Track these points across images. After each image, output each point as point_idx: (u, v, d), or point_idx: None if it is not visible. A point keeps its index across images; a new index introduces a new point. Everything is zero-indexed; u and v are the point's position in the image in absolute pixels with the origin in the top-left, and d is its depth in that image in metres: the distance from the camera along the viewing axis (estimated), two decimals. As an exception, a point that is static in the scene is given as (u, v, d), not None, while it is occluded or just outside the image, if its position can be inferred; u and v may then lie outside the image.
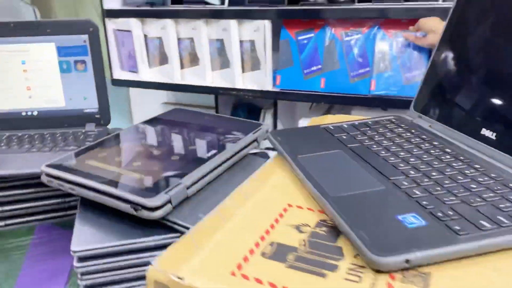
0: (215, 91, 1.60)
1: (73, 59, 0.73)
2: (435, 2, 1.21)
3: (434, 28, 1.15)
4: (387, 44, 1.30)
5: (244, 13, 1.42)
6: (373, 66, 1.32)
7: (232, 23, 1.44)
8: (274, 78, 1.48)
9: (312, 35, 1.39)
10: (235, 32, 1.46)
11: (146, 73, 1.68)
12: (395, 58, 1.30)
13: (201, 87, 1.59)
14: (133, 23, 1.60)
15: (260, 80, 1.48)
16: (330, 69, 1.37)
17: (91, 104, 0.75)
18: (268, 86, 1.48)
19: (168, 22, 1.54)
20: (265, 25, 1.39)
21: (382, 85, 1.32)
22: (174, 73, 1.61)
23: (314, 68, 1.40)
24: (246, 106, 1.76)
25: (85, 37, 0.73)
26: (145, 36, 1.63)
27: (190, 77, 1.62)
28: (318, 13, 1.33)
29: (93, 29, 0.74)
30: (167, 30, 1.55)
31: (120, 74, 1.74)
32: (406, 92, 1.27)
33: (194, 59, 1.58)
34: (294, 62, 1.42)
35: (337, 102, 1.42)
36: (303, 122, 1.54)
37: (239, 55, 1.49)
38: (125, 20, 1.61)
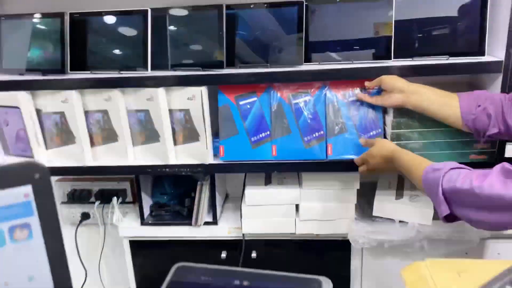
0: (140, 171, 1.33)
1: (7, 225, 0.45)
2: (388, 61, 1.17)
3: (402, 87, 1.09)
4: (339, 104, 1.22)
5: (171, 79, 1.20)
6: (327, 129, 1.22)
7: (160, 91, 1.20)
8: (217, 150, 1.28)
9: (255, 99, 1.24)
10: (164, 101, 1.22)
11: (43, 156, 1.32)
12: (349, 118, 1.22)
13: (121, 168, 1.30)
14: (20, 97, 1.24)
15: (199, 152, 1.27)
16: (280, 135, 1.23)
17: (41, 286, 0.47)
18: (210, 159, 1.27)
19: (72, 94, 1.23)
20: (202, 92, 1.20)
21: (339, 149, 1.23)
22: (84, 154, 1.29)
23: (262, 135, 1.24)
24: (171, 179, 1.52)
25: (27, 189, 0.46)
26: (38, 111, 1.28)
27: (105, 156, 1.32)
28: (262, 77, 1.19)
29: (40, 175, 0.46)
30: (71, 103, 1.24)
31: (4, 160, 1.34)
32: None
33: (109, 135, 1.29)
34: (238, 130, 1.24)
35: (292, 169, 1.28)
36: (250, 192, 1.36)
37: (169, 126, 1.25)
38: (9, 94, 1.25)
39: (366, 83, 1.17)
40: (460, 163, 1.17)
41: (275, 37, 1.20)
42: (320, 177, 1.33)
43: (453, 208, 0.81)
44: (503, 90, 1.13)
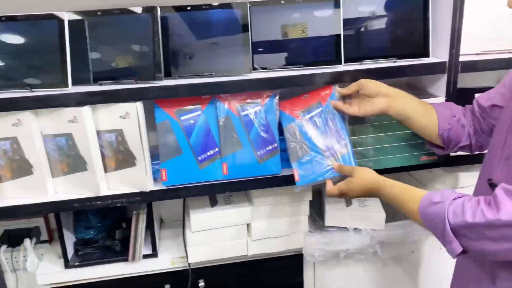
0: (63, 207, 1.10)
1: None
2: (339, 65, 1.11)
3: (387, 92, 1.01)
4: (292, 113, 1.13)
5: (99, 95, 1.01)
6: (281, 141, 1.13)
7: (85, 110, 1.00)
8: (158, 173, 1.11)
9: (199, 112, 1.09)
10: (90, 122, 1.02)
11: None
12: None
13: (38, 206, 1.07)
14: None
15: (137, 179, 1.09)
16: (231, 151, 1.11)
17: None
18: (150, 185, 1.10)
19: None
20: (137, 108, 1.02)
21: (295, 160, 1.14)
22: (-13, 193, 1.03)
23: (210, 152, 1.11)
24: (96, 209, 1.29)
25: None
26: None
27: (16, 193, 1.07)
28: (207, 89, 1.05)
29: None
30: (-35, 131, 0.98)
31: None
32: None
33: (21, 167, 1.05)
34: (182, 149, 1.09)
35: (245, 188, 1.16)
36: (195, 217, 1.21)
37: (98, 151, 1.06)
38: None
39: (341, 90, 1.07)
40: (412, 166, 1.19)
41: (219, 43, 1.07)
42: (271, 192, 1.24)
43: (465, 243, 0.75)
44: (448, 89, 1.14)
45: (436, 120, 1.01)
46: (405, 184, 0.90)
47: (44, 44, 1.00)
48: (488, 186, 0.83)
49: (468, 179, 1.28)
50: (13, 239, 1.33)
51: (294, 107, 1.11)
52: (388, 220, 1.33)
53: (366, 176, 0.96)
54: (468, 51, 1.16)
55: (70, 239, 1.28)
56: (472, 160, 1.20)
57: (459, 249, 0.75)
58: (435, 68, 1.13)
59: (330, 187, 1.02)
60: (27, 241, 1.30)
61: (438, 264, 1.40)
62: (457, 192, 0.80)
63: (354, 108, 1.05)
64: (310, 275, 1.39)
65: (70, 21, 1.01)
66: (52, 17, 1.00)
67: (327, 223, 1.33)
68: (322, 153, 1.08)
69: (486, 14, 1.17)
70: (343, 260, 1.35)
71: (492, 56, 1.17)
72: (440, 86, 1.16)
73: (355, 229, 1.32)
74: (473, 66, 1.14)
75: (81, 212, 1.30)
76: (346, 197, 1.01)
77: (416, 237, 1.34)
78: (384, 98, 1.01)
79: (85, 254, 1.28)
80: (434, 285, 1.44)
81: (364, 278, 1.41)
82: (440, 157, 1.17)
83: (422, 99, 1.08)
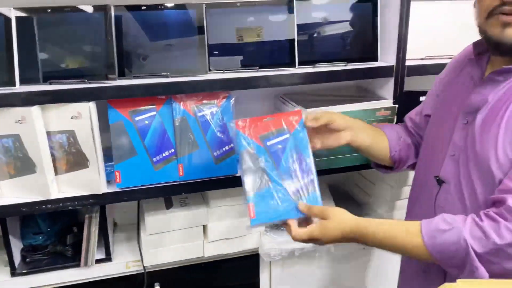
0: (10, 212, 1.05)
1: None
2: (293, 68, 1.14)
3: (351, 125, 0.97)
4: (247, 114, 1.14)
5: (49, 95, 0.98)
6: (237, 141, 1.14)
7: (34, 111, 0.97)
8: (111, 175, 1.09)
9: (154, 113, 1.09)
10: (40, 122, 0.99)
11: None
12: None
13: (-17, 210, 1.02)
14: None
15: (88, 181, 1.06)
16: (187, 152, 1.11)
17: None
18: (103, 188, 1.07)
19: None
20: (90, 108, 1.00)
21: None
22: None
23: (166, 153, 1.10)
24: (45, 214, 1.24)
25: None
26: None
27: (-43, 198, 1.01)
28: (161, 88, 1.04)
29: None
30: None
31: None
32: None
33: (-37, 170, 1.00)
34: (137, 150, 1.08)
35: (201, 189, 1.16)
36: (150, 220, 1.20)
37: (48, 153, 1.02)
38: None
39: (308, 123, 0.92)
40: (362, 165, 1.23)
41: (174, 43, 1.07)
42: (228, 192, 1.24)
43: (489, 267, 0.69)
44: (395, 92, 1.20)
45: (387, 143, 1.02)
46: (387, 219, 0.85)
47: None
48: (435, 182, 0.87)
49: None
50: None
51: (255, 129, 0.93)
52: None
53: (345, 218, 0.82)
54: (414, 56, 1.23)
55: (17, 246, 1.22)
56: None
57: (485, 275, 0.69)
58: (383, 72, 1.18)
59: (296, 231, 0.86)
60: (-32, 249, 1.23)
61: (387, 258, 1.46)
62: (450, 216, 0.76)
63: (316, 142, 0.95)
64: (266, 274, 1.41)
65: (17, 18, 0.97)
66: (-3, 12, 0.96)
67: (282, 222, 1.35)
68: (285, 187, 0.90)
69: (430, 21, 1.24)
70: (298, 258, 1.37)
71: (436, 61, 1.24)
72: (388, 89, 1.21)
73: (309, 227, 1.35)
74: (418, 70, 1.20)
75: (28, 217, 1.25)
76: (317, 243, 0.85)
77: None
78: (349, 131, 0.95)
79: (34, 261, 1.23)
80: (384, 277, 1.50)
81: (319, 275, 1.45)
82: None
83: (369, 102, 1.14)
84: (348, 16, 1.18)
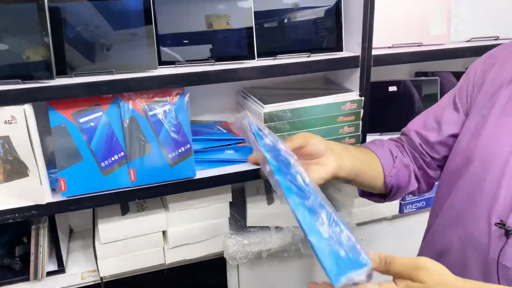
0: None
1: None
2: (253, 61, 1.06)
3: (331, 148, 0.75)
4: (204, 112, 1.06)
5: (-23, 96, 0.88)
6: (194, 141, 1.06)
7: (-40, 116, 0.87)
8: (53, 183, 0.99)
9: (100, 113, 0.99)
10: (-32, 128, 0.89)
11: None
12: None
13: None
14: None
15: (30, 191, 0.97)
16: (139, 155, 1.02)
17: None
18: (47, 197, 0.98)
19: None
20: (25, 111, 0.90)
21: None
22: None
23: (115, 157, 1.01)
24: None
25: None
26: None
27: None
28: (106, 87, 0.95)
29: None
30: None
31: None
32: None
33: None
34: (83, 155, 0.98)
35: (156, 194, 1.08)
36: (104, 227, 1.11)
37: (-19, 161, 0.92)
38: None
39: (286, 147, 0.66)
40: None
41: (121, 37, 0.97)
42: (188, 196, 1.17)
43: None
44: (361, 83, 1.13)
45: (380, 166, 0.82)
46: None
47: None
48: (499, 232, 0.66)
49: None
50: None
51: None
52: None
53: (440, 271, 0.54)
54: (380, 44, 1.16)
55: (-42, 261, 1.12)
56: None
57: None
58: (348, 62, 1.11)
59: None
60: None
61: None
62: None
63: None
64: (234, 277, 1.35)
65: None
66: None
67: (248, 223, 1.28)
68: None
69: (396, 8, 1.17)
70: (266, 260, 1.31)
71: (404, 49, 1.18)
72: (354, 80, 1.15)
73: (276, 227, 1.29)
74: (385, 60, 1.14)
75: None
76: None
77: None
78: (332, 156, 0.73)
79: (-22, 277, 1.13)
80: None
81: (289, 276, 1.39)
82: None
83: (334, 95, 1.06)
84: (312, 3, 1.10)
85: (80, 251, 1.26)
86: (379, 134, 1.32)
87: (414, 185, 0.85)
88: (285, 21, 1.09)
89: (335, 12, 1.11)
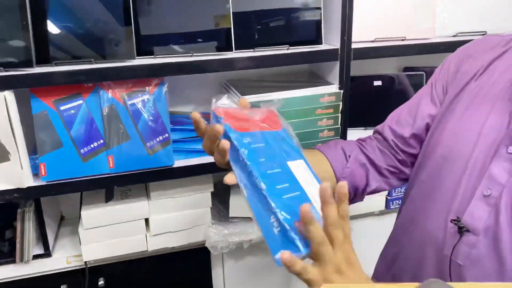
0: None
1: None
2: (230, 52, 1.07)
3: None
4: (183, 102, 1.09)
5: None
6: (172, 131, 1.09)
7: None
8: (35, 168, 1.03)
9: (80, 102, 1.03)
10: (-48, 113, 0.93)
11: None
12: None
13: None
14: None
15: (12, 175, 1.01)
16: (117, 143, 1.05)
17: None
18: (28, 181, 1.02)
19: None
20: (6, 98, 0.94)
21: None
22: None
23: (94, 144, 1.04)
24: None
25: None
26: None
27: None
28: (85, 75, 0.98)
29: None
30: None
31: None
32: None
33: None
34: (63, 141, 1.02)
35: (134, 182, 1.11)
36: (87, 213, 1.15)
37: (-35, 145, 0.97)
38: None
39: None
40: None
41: (100, 27, 1.00)
42: (170, 185, 1.19)
43: None
44: (341, 76, 1.14)
45: (330, 167, 0.80)
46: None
47: None
48: (453, 229, 0.65)
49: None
50: None
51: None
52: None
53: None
54: (363, 38, 1.17)
55: (-50, 242, 1.18)
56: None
57: None
58: (327, 55, 1.12)
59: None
60: None
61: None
62: None
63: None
64: (219, 267, 1.37)
65: None
66: None
67: (231, 214, 1.30)
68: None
69: (379, 2, 1.18)
70: (249, 250, 1.33)
71: (386, 43, 1.17)
72: (335, 73, 1.15)
73: (258, 219, 1.30)
74: (365, 53, 1.14)
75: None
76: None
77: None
78: None
79: (-32, 258, 1.18)
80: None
81: (273, 267, 1.41)
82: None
83: (313, 88, 1.07)
84: (290, -4, 1.11)
85: (68, 237, 1.30)
86: (363, 128, 1.32)
87: (373, 185, 0.82)
88: (265, 14, 1.10)
89: (315, 6, 1.12)
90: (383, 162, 0.83)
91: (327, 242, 0.54)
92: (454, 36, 1.24)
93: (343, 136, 1.18)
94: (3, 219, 1.26)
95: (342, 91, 1.13)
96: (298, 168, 0.64)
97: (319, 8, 1.12)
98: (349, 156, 0.82)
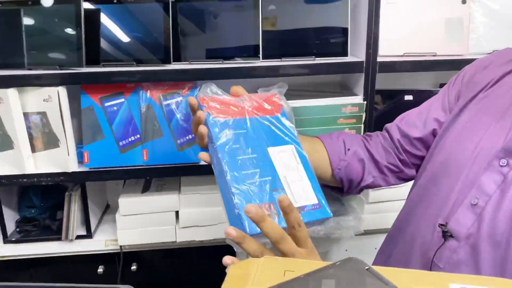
0: (-9, 182, 1.18)
1: None
2: (257, 61, 1.15)
3: None
4: (212, 105, 1.18)
5: (25, 79, 1.08)
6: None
7: (10, 92, 1.08)
8: (80, 156, 1.17)
9: (122, 100, 1.16)
10: (16, 103, 1.10)
11: None
12: (222, 119, 1.19)
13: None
14: None
15: (60, 160, 1.15)
16: (151, 138, 1.16)
17: None
18: (73, 166, 1.16)
19: None
20: (59, 93, 1.09)
21: (213, 150, 1.19)
22: None
23: (132, 138, 1.17)
24: (39, 189, 1.37)
25: None
26: None
27: (-51, 167, 1.15)
28: (126, 76, 1.11)
29: None
30: None
31: None
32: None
33: (-47, 143, 1.13)
34: (105, 134, 1.15)
35: (164, 175, 1.22)
36: (124, 200, 1.27)
37: (24, 132, 1.13)
38: None
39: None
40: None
41: (142, 35, 1.13)
42: (200, 181, 1.29)
43: None
44: (366, 89, 1.17)
45: (327, 157, 0.83)
46: None
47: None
48: (438, 232, 0.67)
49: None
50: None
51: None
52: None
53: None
54: (392, 52, 1.19)
55: (12, 217, 1.36)
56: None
57: None
58: (352, 67, 1.16)
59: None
60: (-28, 216, 1.38)
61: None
62: None
63: None
64: (244, 266, 1.43)
65: (2, 10, 1.09)
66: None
67: (256, 215, 1.36)
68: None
69: (411, 16, 1.19)
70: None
71: (415, 58, 1.19)
72: (360, 85, 1.19)
73: (280, 222, 1.35)
74: (392, 67, 1.17)
75: (24, 191, 1.38)
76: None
77: (344, 234, 1.36)
78: None
79: (24, 231, 1.35)
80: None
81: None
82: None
83: (337, 98, 1.10)
84: (319, 9, 1.17)
85: (109, 223, 1.43)
86: (392, 141, 1.32)
87: (368, 180, 0.84)
88: (293, 31, 1.17)
89: (342, 19, 1.16)
90: (384, 159, 0.84)
91: (281, 240, 0.58)
92: (489, 53, 1.22)
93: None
94: (57, 200, 1.42)
95: (365, 102, 1.16)
96: (282, 153, 0.69)
97: (346, 22, 1.16)
98: (348, 149, 0.83)
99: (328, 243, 1.38)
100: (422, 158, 0.83)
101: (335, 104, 1.15)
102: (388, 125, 0.89)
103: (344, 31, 1.17)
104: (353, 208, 1.43)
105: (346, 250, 1.43)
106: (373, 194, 1.33)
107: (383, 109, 1.31)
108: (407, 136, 0.83)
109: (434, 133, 0.81)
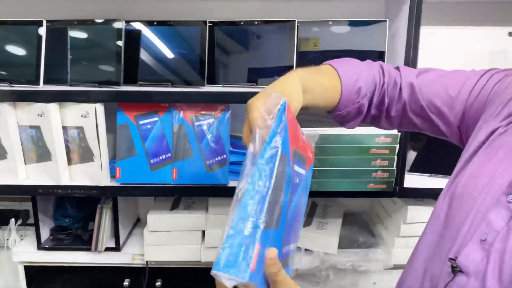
0: (31, 191, 1.23)
1: None
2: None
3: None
4: (243, 128, 1.18)
5: (66, 95, 1.13)
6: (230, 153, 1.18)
7: (51, 107, 1.13)
8: (113, 171, 1.21)
9: (156, 119, 1.18)
10: (56, 117, 1.15)
11: None
12: (252, 143, 1.19)
13: (10, 187, 1.20)
14: None
15: (94, 174, 1.19)
16: (182, 157, 1.18)
17: None
18: (105, 181, 1.20)
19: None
20: (96, 109, 1.13)
21: (242, 173, 1.19)
22: (-33, 171, 1.18)
23: (162, 157, 1.19)
24: (74, 200, 1.42)
25: None
26: None
27: (-8, 174, 1.21)
28: (162, 97, 1.14)
29: None
30: (-47, 116, 1.14)
31: None
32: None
33: (-3, 152, 1.20)
34: (137, 151, 1.18)
35: (192, 194, 1.23)
36: (152, 217, 1.29)
37: (62, 145, 1.18)
38: None
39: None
40: (359, 192, 1.17)
41: (178, 58, 1.16)
42: (227, 203, 1.29)
43: None
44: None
45: (340, 87, 0.78)
46: None
47: (24, 47, 1.15)
48: (448, 267, 0.65)
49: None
50: (3, 219, 1.49)
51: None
52: (344, 246, 1.32)
53: None
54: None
55: (48, 224, 1.41)
56: (429, 193, 1.18)
57: None
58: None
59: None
60: (12, 221, 1.45)
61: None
62: None
63: None
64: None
65: (51, 28, 1.15)
66: (33, 23, 1.15)
67: (282, 241, 1.34)
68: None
69: (449, 47, 1.16)
70: (296, 280, 1.35)
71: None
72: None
73: (306, 250, 1.32)
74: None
75: (61, 201, 1.43)
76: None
77: (372, 267, 1.31)
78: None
79: (57, 239, 1.40)
80: None
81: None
82: (389, 186, 1.15)
83: (371, 127, 1.09)
84: (358, 44, 1.15)
85: (138, 237, 1.46)
86: (427, 174, 1.27)
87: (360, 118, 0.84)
88: (328, 54, 1.16)
89: (380, 49, 1.14)
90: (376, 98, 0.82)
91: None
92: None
93: (400, 179, 1.17)
94: (91, 211, 1.47)
95: (400, 133, 1.12)
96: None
97: (383, 57, 1.14)
98: (358, 102, 0.80)
99: (356, 276, 1.33)
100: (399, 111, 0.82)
101: (368, 134, 1.12)
102: (404, 73, 0.83)
103: (381, 54, 1.14)
104: (384, 241, 1.38)
105: (375, 283, 1.38)
106: (404, 227, 1.27)
107: (419, 141, 1.26)
108: (410, 84, 0.80)
109: (421, 106, 0.80)
